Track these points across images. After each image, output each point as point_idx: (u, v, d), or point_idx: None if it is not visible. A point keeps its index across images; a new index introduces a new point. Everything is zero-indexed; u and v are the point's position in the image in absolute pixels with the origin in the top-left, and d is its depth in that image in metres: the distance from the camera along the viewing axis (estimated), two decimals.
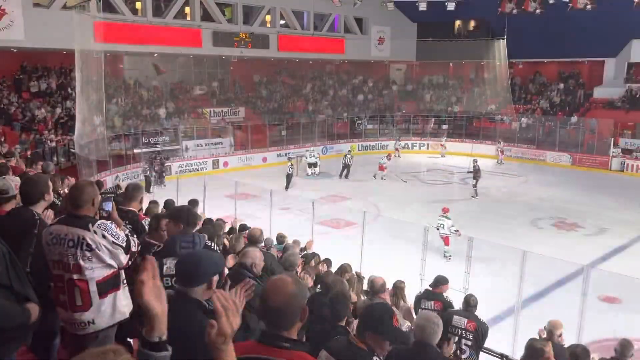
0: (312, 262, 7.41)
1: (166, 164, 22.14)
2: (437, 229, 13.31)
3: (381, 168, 22.89)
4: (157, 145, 23.67)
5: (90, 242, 3.15)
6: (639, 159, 25.30)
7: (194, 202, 9.09)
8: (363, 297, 6.43)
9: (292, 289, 2.06)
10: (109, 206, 3.81)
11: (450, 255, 13.13)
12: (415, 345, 3.57)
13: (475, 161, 20.94)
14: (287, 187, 20.94)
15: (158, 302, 1.70)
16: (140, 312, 1.71)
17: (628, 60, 29.56)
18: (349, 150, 25.46)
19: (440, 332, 3.60)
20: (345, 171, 23.54)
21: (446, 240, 13.36)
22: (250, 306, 4.54)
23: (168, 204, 8.83)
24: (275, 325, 2.06)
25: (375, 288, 5.62)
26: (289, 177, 21.45)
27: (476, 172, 20.20)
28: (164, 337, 1.72)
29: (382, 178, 22.79)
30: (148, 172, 20.79)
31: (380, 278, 5.83)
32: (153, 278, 1.73)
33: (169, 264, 3.49)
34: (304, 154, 25.11)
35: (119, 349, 1.44)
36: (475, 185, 20.22)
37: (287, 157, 24.11)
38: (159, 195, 13.73)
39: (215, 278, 2.51)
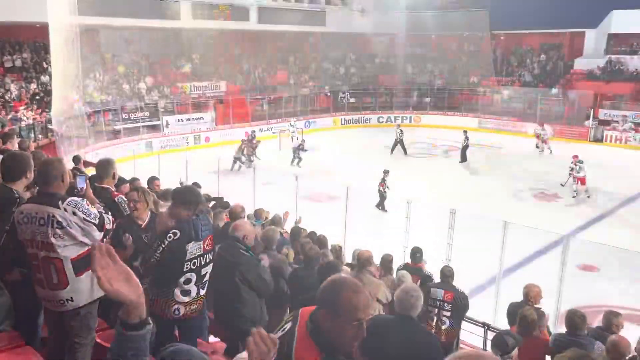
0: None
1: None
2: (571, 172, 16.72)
3: (538, 137, 23.85)
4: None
5: (60, 219, 3.12)
6: (617, 130, 25.64)
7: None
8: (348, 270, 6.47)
9: None
10: (82, 183, 3.74)
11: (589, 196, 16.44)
12: (395, 317, 3.64)
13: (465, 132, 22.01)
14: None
15: (128, 286, 1.58)
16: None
17: (608, 32, 29.65)
18: (398, 125, 25.30)
19: (420, 304, 3.65)
20: (398, 146, 23.14)
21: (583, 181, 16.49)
22: (281, 274, 4.70)
23: (151, 181, 8.73)
24: None
25: (361, 261, 5.61)
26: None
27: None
28: (144, 315, 1.65)
29: (536, 146, 23.67)
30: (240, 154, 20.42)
31: (367, 251, 5.79)
32: (114, 263, 1.59)
33: (191, 248, 3.52)
34: (287, 128, 24.91)
35: None
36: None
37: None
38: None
39: None
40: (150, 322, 1.68)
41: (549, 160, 21.76)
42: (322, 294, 2.07)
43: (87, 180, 3.96)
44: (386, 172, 15.72)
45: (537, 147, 23.61)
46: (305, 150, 21.66)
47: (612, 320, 5.26)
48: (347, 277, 2.16)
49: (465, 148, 21.61)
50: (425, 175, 19.43)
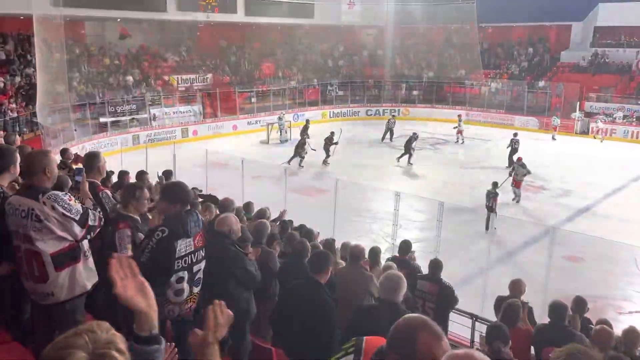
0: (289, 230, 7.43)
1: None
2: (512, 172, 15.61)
3: (554, 129, 25.44)
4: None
5: (38, 213, 3.09)
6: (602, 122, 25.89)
7: (168, 173, 8.95)
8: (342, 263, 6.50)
9: None
10: (79, 177, 3.71)
11: (518, 201, 15.25)
12: (379, 304, 3.72)
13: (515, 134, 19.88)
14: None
15: (141, 297, 1.66)
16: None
17: (595, 24, 29.90)
18: (393, 115, 25.76)
19: (401, 289, 3.69)
20: (388, 134, 23.94)
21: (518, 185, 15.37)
22: (269, 268, 4.69)
23: (140, 175, 8.69)
24: None
25: (354, 254, 5.65)
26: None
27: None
28: (155, 331, 1.69)
29: (553, 138, 25.21)
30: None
31: (359, 245, 5.85)
32: (132, 276, 1.67)
33: (180, 245, 3.46)
34: (276, 122, 24.82)
35: (100, 325, 1.35)
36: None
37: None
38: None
39: None
40: (162, 342, 1.73)
41: (535, 153, 21.91)
42: (395, 334, 1.77)
43: (84, 175, 3.92)
44: (495, 185, 13.22)
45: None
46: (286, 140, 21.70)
47: (582, 306, 5.41)
48: (426, 319, 1.82)
49: (513, 152, 18.86)
50: (414, 168, 19.50)
